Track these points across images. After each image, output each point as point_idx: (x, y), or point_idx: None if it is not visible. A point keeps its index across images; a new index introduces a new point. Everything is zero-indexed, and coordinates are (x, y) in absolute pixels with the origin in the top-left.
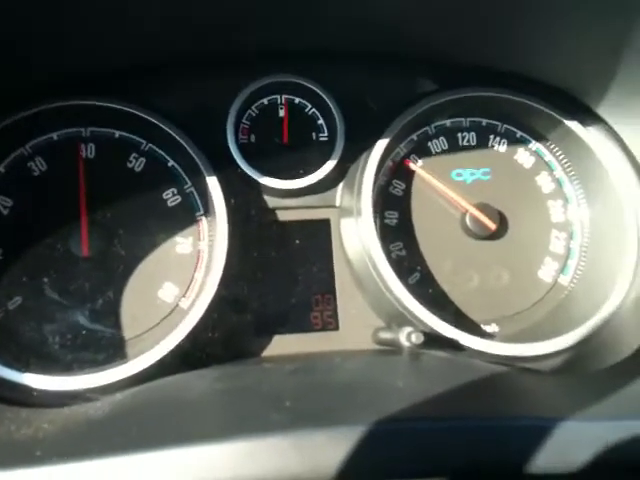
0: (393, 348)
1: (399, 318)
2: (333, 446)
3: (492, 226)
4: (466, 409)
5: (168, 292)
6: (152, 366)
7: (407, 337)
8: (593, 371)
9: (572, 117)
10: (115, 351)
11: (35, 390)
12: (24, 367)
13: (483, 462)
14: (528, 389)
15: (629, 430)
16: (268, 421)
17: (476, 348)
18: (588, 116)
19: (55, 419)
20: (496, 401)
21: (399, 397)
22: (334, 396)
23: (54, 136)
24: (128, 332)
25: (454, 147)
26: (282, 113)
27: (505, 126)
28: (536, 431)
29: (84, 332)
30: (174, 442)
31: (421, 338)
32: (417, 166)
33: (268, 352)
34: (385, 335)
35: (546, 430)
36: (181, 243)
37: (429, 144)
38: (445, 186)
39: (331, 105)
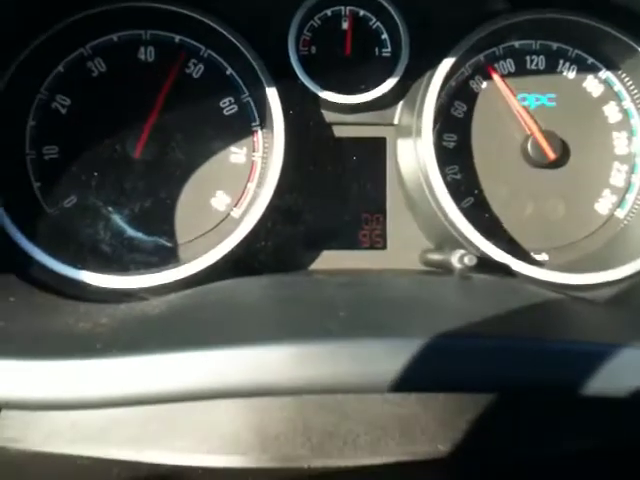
0: (441, 270)
1: (450, 241)
2: (388, 356)
3: (553, 154)
4: (518, 330)
5: (220, 201)
6: (204, 271)
7: (459, 259)
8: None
9: None
10: (168, 254)
11: (92, 287)
12: (81, 264)
13: (530, 382)
14: (579, 315)
15: None
16: (324, 328)
17: (527, 274)
18: None
19: (113, 314)
20: (547, 324)
21: (453, 315)
22: (387, 310)
23: (114, 37)
24: (181, 237)
25: (521, 70)
26: (345, 25)
27: (576, 51)
28: (586, 355)
29: (139, 234)
30: (230, 342)
31: (474, 260)
32: (481, 88)
33: (316, 266)
34: (435, 256)
35: (595, 355)
36: (236, 153)
37: (495, 65)
38: (509, 109)
39: (397, 19)
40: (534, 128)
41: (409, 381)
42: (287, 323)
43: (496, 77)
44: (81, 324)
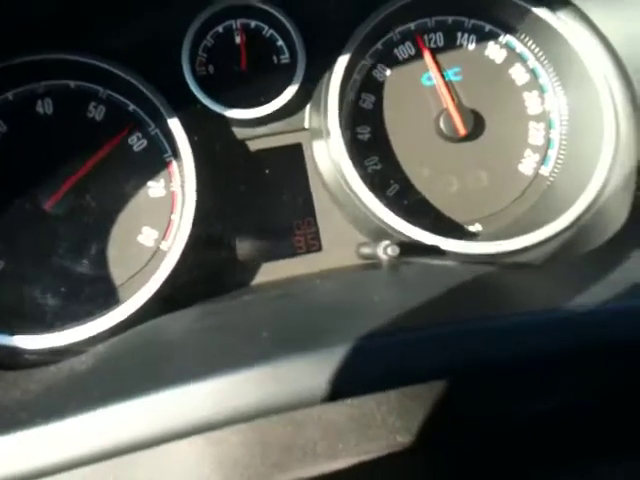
0: (376, 262)
1: (379, 232)
2: (310, 369)
3: (467, 126)
4: (440, 315)
5: (147, 236)
6: (135, 313)
7: (384, 250)
8: (576, 258)
9: (540, 4)
10: (99, 302)
11: (22, 351)
12: (8, 329)
13: (462, 367)
14: (507, 285)
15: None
16: (244, 354)
17: (458, 251)
18: (556, 1)
19: (41, 378)
20: (474, 302)
21: (377, 312)
22: (312, 320)
23: (9, 96)
24: (112, 282)
25: (421, 51)
26: (239, 39)
27: (472, 21)
28: (517, 327)
29: (67, 287)
30: (152, 387)
31: (397, 250)
32: (386, 75)
33: (256, 281)
34: (366, 250)
35: (529, 324)
36: (153, 187)
37: (395, 51)
38: (417, 92)
39: (288, 24)
40: (449, 101)
41: (339, 389)
42: (208, 356)
43: (398, 62)
44: (9, 394)
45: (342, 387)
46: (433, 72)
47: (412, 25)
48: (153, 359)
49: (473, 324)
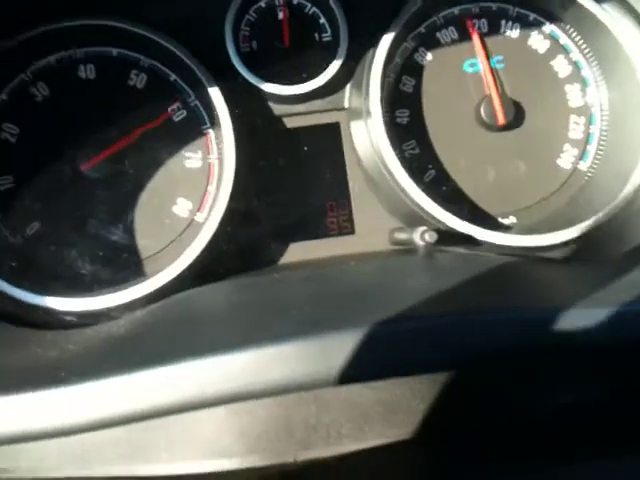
0: (410, 248)
1: (414, 218)
2: (338, 349)
3: (507, 115)
4: (474, 303)
5: (182, 207)
6: (170, 282)
7: (421, 236)
8: (612, 257)
9: None
10: (135, 269)
11: (60, 312)
12: (46, 290)
13: (492, 354)
14: (541, 279)
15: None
16: (279, 329)
17: (493, 242)
18: None
19: (79, 339)
20: (506, 293)
21: (410, 296)
22: (344, 300)
23: (52, 60)
24: (147, 250)
25: (464, 36)
26: (281, 15)
27: (517, 9)
28: (546, 320)
29: (102, 252)
30: (190, 355)
31: (435, 236)
32: (427, 59)
33: (286, 259)
34: (400, 235)
35: (557, 317)
36: (190, 158)
37: (438, 35)
38: (458, 78)
39: (332, 2)
40: (493, 89)
41: (368, 370)
42: (246, 328)
43: (440, 46)
44: (48, 354)
45: (371, 368)
46: (480, 57)
47: (456, 10)
48: (189, 328)
49: (504, 314)
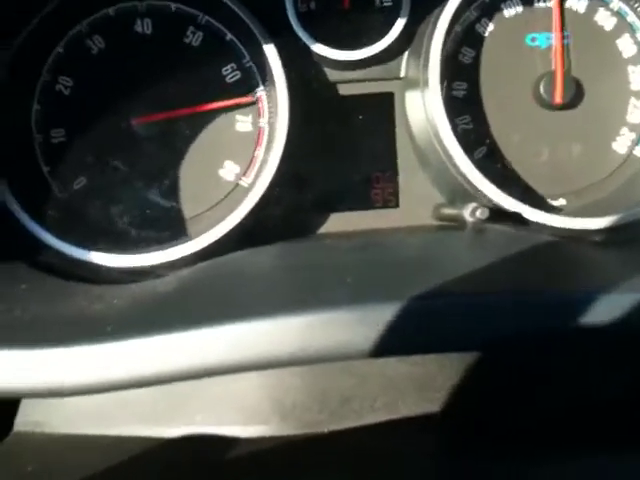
0: (455, 224)
1: (463, 194)
2: (398, 320)
3: (568, 94)
4: (521, 282)
5: (229, 170)
6: (215, 243)
7: (471, 213)
8: None
9: None
10: (179, 229)
11: (104, 267)
12: (92, 245)
13: (535, 333)
14: (588, 262)
15: None
16: (331, 295)
17: (542, 222)
18: None
19: (125, 295)
20: (555, 274)
21: (457, 272)
22: (398, 271)
23: (110, 12)
24: (191, 210)
25: (529, 8)
26: None
27: None
28: (592, 303)
29: (148, 211)
30: (240, 316)
31: (486, 213)
32: (488, 31)
33: (328, 229)
34: (448, 211)
35: (599, 302)
36: (241, 121)
37: (502, 5)
38: (518, 52)
39: None
40: (559, 66)
41: (417, 342)
42: (295, 293)
43: (503, 17)
44: (94, 307)
45: (413, 342)
46: (556, 31)
47: None
48: (238, 289)
49: (543, 296)
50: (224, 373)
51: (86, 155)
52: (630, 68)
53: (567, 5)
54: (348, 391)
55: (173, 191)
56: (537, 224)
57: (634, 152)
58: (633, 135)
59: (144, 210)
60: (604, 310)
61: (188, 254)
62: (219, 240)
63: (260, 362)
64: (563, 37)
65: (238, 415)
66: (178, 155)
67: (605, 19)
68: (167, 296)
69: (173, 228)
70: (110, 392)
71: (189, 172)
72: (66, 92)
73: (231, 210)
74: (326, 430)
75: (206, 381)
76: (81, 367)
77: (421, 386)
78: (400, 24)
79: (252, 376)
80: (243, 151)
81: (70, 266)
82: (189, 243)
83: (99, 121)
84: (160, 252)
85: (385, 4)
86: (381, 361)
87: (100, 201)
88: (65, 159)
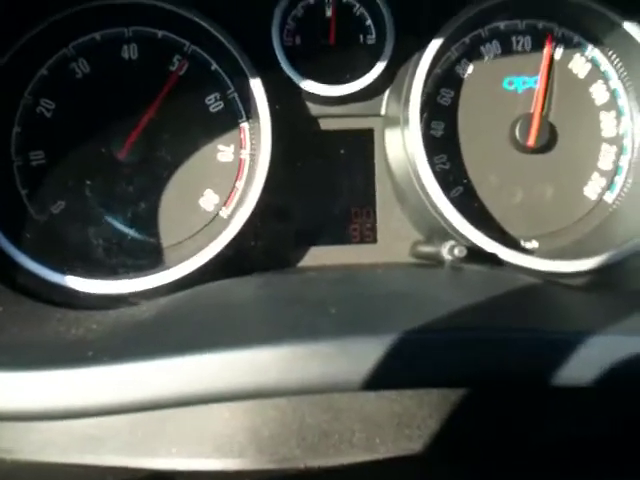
0: (431, 262)
1: (440, 232)
2: (379, 354)
3: (542, 138)
4: (500, 321)
5: (209, 200)
6: (193, 273)
7: (449, 251)
8: (630, 289)
9: (634, 21)
10: (157, 257)
11: (81, 293)
12: (69, 270)
13: (502, 373)
14: (563, 304)
15: None
16: (315, 327)
17: (516, 263)
18: None
19: (102, 320)
20: (528, 314)
21: (439, 308)
22: (380, 305)
23: (97, 36)
24: (169, 239)
25: (507, 52)
26: (329, 13)
27: (562, 30)
28: (564, 345)
29: (127, 237)
30: (221, 345)
31: (464, 252)
32: (467, 73)
33: (306, 262)
34: (425, 249)
35: (565, 343)
36: (223, 151)
37: (481, 48)
38: (496, 95)
39: (381, 5)
40: (538, 110)
41: (399, 375)
42: (278, 323)
43: (483, 59)
44: (72, 332)
45: (392, 377)
46: (541, 75)
47: (502, 25)
48: (220, 319)
49: (526, 334)
50: (204, 402)
51: (65, 179)
52: (602, 115)
53: (545, 50)
54: (327, 425)
55: (152, 218)
56: (511, 264)
57: (604, 198)
58: (604, 181)
59: (122, 236)
60: (576, 351)
61: (165, 283)
62: (197, 270)
63: (240, 392)
64: (548, 82)
65: (214, 447)
66: (158, 182)
67: (579, 66)
68: (148, 323)
69: (151, 256)
70: (90, 417)
71: (169, 200)
72: (47, 115)
73: (210, 240)
74: (303, 466)
75: (183, 411)
76: (62, 391)
77: (400, 422)
78: (383, 62)
79: (230, 407)
80: (224, 181)
81: (47, 290)
82: (167, 272)
83: (80, 145)
84: (137, 280)
85: (369, 41)
86: (361, 396)
87: (78, 225)
88: (44, 182)
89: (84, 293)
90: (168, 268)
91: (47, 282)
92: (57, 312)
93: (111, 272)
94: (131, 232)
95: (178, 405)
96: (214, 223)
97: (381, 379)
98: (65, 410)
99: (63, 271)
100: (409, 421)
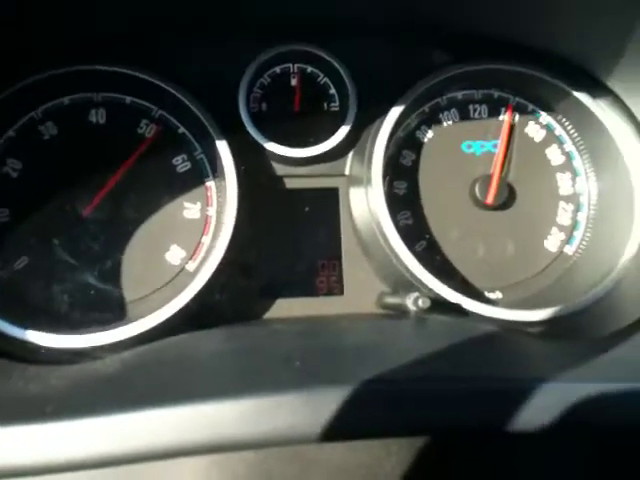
0: (397, 312)
1: (404, 284)
2: (343, 405)
3: (500, 197)
4: (460, 370)
5: (175, 254)
6: (158, 326)
7: (414, 302)
8: (591, 338)
9: (583, 90)
10: (122, 311)
11: (42, 347)
12: (31, 325)
13: (464, 420)
14: (523, 352)
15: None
16: (278, 379)
17: (479, 313)
18: (598, 89)
19: (64, 375)
20: (490, 363)
21: (404, 358)
22: (344, 357)
23: (65, 100)
24: (134, 293)
25: (465, 119)
26: (294, 82)
27: (517, 99)
28: (524, 392)
29: (91, 292)
30: (184, 399)
31: (427, 303)
32: (428, 137)
33: (274, 314)
34: (391, 300)
35: (534, 391)
36: (189, 208)
37: (440, 115)
38: (455, 157)
39: (344, 75)
40: (497, 171)
41: (356, 426)
42: (241, 376)
43: (441, 126)
44: (31, 387)
45: (358, 427)
46: (502, 140)
47: (460, 94)
48: (184, 372)
49: (482, 383)
50: (167, 457)
51: (29, 236)
52: (559, 175)
53: (500, 117)
54: (294, 478)
55: (117, 273)
56: (475, 314)
57: (564, 250)
58: (563, 235)
59: (87, 291)
60: (530, 398)
61: (130, 336)
62: (162, 323)
63: (203, 446)
64: (507, 147)
65: None
66: (124, 238)
67: (535, 131)
68: (109, 378)
69: (116, 310)
70: (48, 474)
71: (134, 255)
72: (13, 174)
73: (176, 293)
74: None
75: (148, 466)
76: (19, 447)
77: (368, 473)
78: (346, 127)
79: (194, 461)
80: (190, 237)
81: (7, 345)
82: (131, 325)
83: (45, 204)
84: (101, 334)
85: (332, 108)
86: (328, 447)
87: (42, 281)
88: (7, 239)
89: (47, 348)
90: (133, 321)
91: (8, 337)
92: (17, 368)
93: (75, 326)
94: (96, 287)
95: (140, 460)
96: (180, 276)
97: (343, 429)
98: (22, 467)
99: (25, 326)
100: (377, 471)
